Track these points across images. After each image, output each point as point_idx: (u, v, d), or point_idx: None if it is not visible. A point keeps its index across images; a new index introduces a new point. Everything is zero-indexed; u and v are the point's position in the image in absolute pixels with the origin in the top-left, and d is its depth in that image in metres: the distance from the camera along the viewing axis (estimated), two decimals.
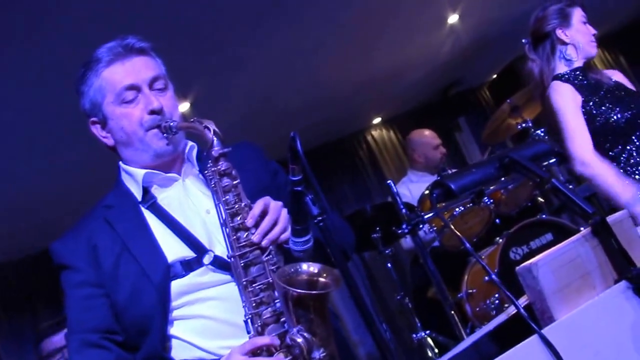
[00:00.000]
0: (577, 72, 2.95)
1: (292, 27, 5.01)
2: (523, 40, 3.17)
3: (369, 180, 7.84)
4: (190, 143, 1.90)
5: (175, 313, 1.72)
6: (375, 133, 8.07)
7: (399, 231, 3.70)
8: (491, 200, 4.12)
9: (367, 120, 8.03)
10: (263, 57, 5.28)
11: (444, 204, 3.98)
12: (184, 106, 5.13)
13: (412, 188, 4.97)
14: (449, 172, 4.91)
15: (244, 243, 1.61)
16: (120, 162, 1.89)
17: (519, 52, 7.18)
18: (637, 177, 2.81)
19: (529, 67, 3.11)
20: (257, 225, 1.62)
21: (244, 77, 5.42)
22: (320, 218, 1.42)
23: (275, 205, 1.66)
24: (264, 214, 1.63)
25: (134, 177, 1.83)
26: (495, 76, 8.24)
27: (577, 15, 3.01)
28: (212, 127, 1.64)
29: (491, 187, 4.07)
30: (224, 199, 1.64)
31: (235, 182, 1.65)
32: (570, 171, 4.64)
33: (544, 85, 2.98)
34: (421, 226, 3.84)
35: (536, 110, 4.73)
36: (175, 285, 1.71)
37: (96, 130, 1.86)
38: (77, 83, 1.84)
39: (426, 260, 3.66)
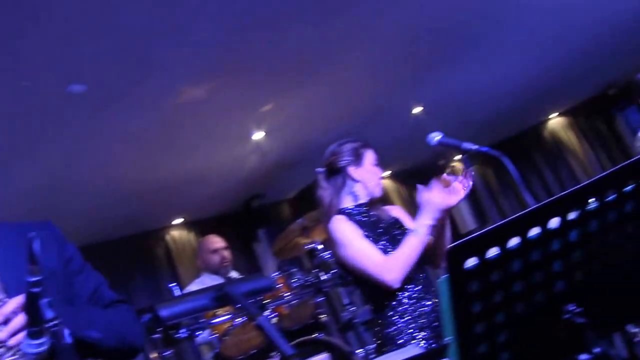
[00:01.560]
0: (361, 208, 3.05)
1: (93, 120, 5.03)
2: (317, 170, 3.20)
3: (163, 278, 7.73)
4: None
5: None
6: (175, 233, 8.08)
7: (177, 335, 3.71)
8: (275, 314, 4.24)
9: (169, 219, 8.03)
10: (56, 148, 5.25)
11: (229, 311, 4.05)
12: None
13: None
14: (235, 277, 5.06)
15: None
16: None
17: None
18: (407, 316, 2.83)
19: (319, 194, 3.14)
20: (6, 322, 1.56)
21: (39, 166, 5.36)
22: (53, 322, 1.42)
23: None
24: (16, 312, 1.57)
25: None
26: (296, 193, 8.55)
27: (369, 157, 3.11)
28: None
29: (276, 302, 4.20)
30: None
31: None
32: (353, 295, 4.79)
33: (329, 215, 3.02)
34: (201, 332, 3.88)
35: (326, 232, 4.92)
36: None
37: None
38: None
39: None
